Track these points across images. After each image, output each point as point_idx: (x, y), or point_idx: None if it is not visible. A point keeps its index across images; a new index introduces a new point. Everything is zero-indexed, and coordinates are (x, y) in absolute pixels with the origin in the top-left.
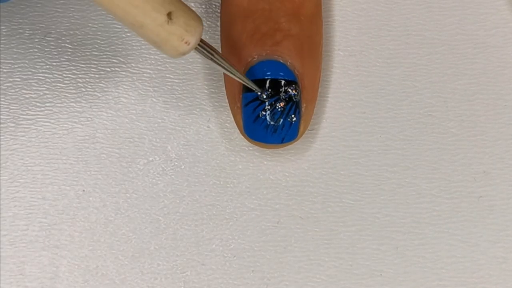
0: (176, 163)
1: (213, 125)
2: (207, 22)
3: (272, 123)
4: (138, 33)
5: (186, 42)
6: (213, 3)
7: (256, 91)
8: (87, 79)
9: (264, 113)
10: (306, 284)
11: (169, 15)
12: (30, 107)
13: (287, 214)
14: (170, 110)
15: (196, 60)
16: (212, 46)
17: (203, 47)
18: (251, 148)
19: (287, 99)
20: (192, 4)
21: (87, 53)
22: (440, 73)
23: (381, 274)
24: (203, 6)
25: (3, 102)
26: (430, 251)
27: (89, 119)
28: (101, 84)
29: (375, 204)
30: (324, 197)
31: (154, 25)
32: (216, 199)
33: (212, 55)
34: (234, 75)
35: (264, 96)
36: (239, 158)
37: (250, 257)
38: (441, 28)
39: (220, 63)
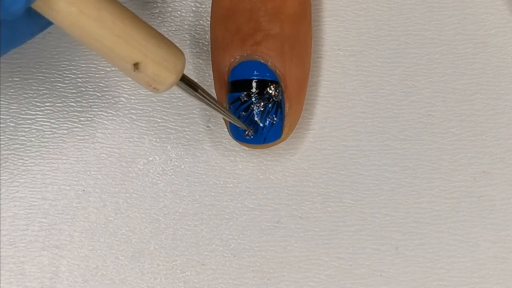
0: (176, 163)
1: (213, 125)
2: (207, 22)
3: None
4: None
5: (154, 88)
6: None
7: (242, 128)
8: (87, 79)
9: (244, 113)
10: (306, 284)
11: (135, 65)
12: (30, 107)
13: (287, 214)
14: (170, 110)
15: (196, 60)
16: (195, 83)
17: (186, 83)
18: (251, 148)
19: (268, 99)
20: (193, 4)
21: (87, 53)
22: (440, 73)
23: (381, 274)
24: (203, 6)
25: (3, 102)
26: (430, 251)
27: (89, 119)
28: (101, 84)
29: (375, 204)
30: (324, 197)
31: (122, 68)
32: (216, 199)
33: (196, 91)
34: (220, 111)
35: (246, 129)
36: (239, 158)
37: (250, 257)
38: (441, 28)
39: (204, 99)
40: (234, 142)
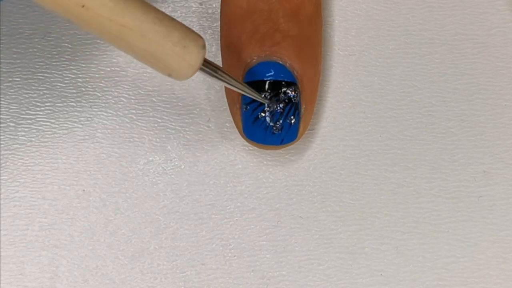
0: (176, 163)
1: (213, 125)
2: (207, 22)
3: (271, 124)
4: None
5: (172, 76)
6: (214, 3)
7: (262, 101)
8: (87, 79)
9: (263, 114)
10: (306, 284)
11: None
12: (30, 107)
13: (287, 214)
14: (170, 110)
15: None
16: (215, 64)
17: (207, 66)
18: (251, 148)
19: (286, 100)
20: (193, 4)
21: (87, 53)
22: (440, 73)
23: (381, 274)
24: (203, 6)
25: (3, 102)
26: (430, 251)
27: (89, 119)
28: (101, 84)
29: (375, 204)
30: (324, 196)
31: (143, 62)
32: (216, 199)
33: (217, 72)
34: (240, 89)
35: (267, 103)
36: (239, 158)
37: (250, 257)
38: (441, 28)
39: (225, 79)
40: (234, 142)
